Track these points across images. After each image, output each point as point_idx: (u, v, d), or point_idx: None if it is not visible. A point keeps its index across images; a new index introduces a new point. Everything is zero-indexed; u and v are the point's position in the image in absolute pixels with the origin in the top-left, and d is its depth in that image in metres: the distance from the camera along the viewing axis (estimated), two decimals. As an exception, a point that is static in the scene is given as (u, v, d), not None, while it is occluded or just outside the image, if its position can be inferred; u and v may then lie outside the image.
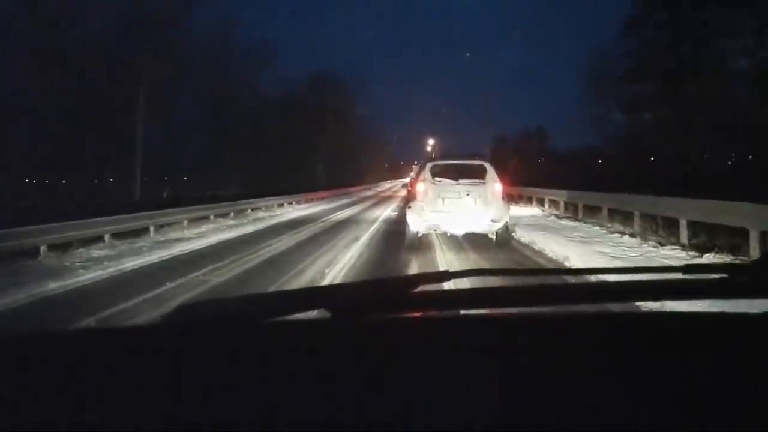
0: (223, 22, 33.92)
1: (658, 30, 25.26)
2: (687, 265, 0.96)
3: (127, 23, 26.37)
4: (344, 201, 30.62)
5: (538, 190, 21.95)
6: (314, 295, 0.99)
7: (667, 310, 0.94)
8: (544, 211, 19.50)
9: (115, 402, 0.66)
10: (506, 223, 9.61)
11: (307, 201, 28.31)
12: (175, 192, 31.11)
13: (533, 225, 13.84)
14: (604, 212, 13.96)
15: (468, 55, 36.41)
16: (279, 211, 22.27)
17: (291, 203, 25.81)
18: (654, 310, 0.97)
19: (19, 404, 0.66)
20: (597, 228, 12.93)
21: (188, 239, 12.55)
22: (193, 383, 0.69)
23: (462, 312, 0.94)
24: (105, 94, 25.90)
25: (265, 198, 23.17)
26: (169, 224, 14.40)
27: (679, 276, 0.97)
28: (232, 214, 18.27)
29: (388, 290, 0.96)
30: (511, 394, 0.67)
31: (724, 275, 0.92)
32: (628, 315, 0.95)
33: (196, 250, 10.87)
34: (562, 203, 18.21)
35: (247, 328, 0.85)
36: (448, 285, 1.09)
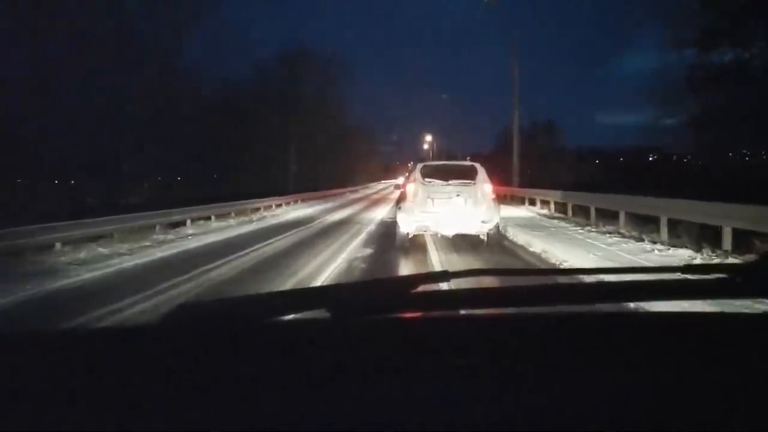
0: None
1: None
2: (687, 266, 0.97)
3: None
4: (318, 208, 23.41)
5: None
6: (314, 295, 0.99)
7: (667, 310, 0.94)
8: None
9: (115, 402, 0.65)
10: (497, 224, 9.50)
11: (265, 208, 21.33)
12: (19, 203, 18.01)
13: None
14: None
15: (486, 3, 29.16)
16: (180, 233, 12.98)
17: (260, 210, 19.22)
18: (654, 310, 0.97)
19: (19, 404, 0.65)
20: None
21: None
22: (194, 383, 0.69)
23: (462, 312, 0.94)
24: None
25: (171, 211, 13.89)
26: None
27: (678, 276, 0.97)
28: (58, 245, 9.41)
29: (388, 290, 0.96)
30: (511, 394, 0.67)
31: (723, 275, 0.92)
32: (628, 315, 0.96)
33: None
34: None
35: (246, 328, 0.84)
36: (448, 285, 1.09)
